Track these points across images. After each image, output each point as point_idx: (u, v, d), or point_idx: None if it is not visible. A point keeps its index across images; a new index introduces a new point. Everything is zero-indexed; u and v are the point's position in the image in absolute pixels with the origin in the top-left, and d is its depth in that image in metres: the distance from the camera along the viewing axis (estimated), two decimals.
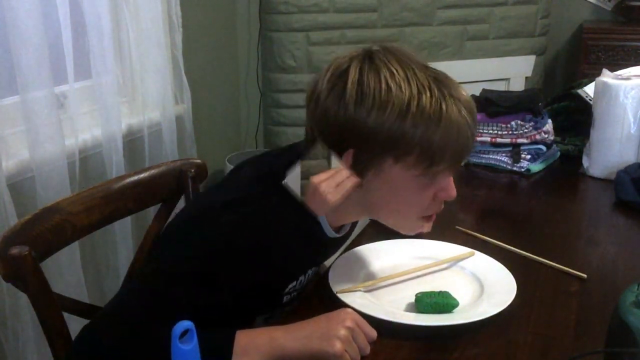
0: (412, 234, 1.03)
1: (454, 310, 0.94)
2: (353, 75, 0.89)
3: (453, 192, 0.96)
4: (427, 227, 1.01)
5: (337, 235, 1.04)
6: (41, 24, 1.49)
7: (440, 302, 0.94)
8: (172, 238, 0.96)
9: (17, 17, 1.44)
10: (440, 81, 0.90)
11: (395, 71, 0.88)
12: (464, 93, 0.92)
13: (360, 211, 1.00)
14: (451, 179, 0.96)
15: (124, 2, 1.87)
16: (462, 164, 1.77)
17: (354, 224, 1.13)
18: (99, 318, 0.89)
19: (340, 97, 0.89)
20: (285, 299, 1.02)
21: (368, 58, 0.90)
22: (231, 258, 0.89)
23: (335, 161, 0.94)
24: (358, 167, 0.92)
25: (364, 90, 0.88)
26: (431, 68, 0.92)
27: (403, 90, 0.87)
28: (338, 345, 0.83)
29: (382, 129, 0.88)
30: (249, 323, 0.98)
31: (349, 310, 0.89)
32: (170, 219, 1.02)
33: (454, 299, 0.95)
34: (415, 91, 0.87)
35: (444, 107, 0.88)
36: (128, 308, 0.88)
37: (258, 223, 0.92)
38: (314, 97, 0.93)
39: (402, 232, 1.04)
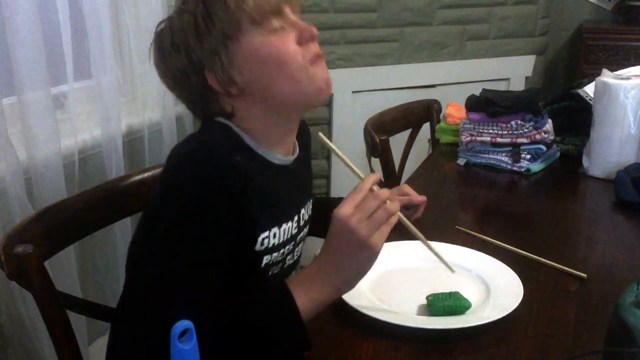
0: (322, 97, 0.96)
1: (466, 312, 0.94)
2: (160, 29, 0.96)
3: (310, 27, 0.95)
4: (321, 71, 0.96)
5: (287, 161, 0.99)
6: (38, 24, 1.48)
7: (453, 304, 0.93)
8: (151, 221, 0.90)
9: (14, 17, 1.44)
10: None
11: None
12: None
13: (262, 112, 0.95)
14: (297, 18, 0.97)
15: (124, 2, 1.87)
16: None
17: (305, 145, 1.09)
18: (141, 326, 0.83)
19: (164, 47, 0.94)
20: (265, 259, 0.95)
21: None
22: (205, 208, 0.84)
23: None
24: (224, 79, 0.92)
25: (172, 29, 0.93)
26: None
27: None
28: (377, 243, 0.82)
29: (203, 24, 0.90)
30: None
31: (337, 215, 0.83)
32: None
33: (467, 301, 0.94)
34: None
35: None
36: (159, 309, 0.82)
37: (209, 167, 0.86)
38: (160, 65, 0.96)
39: (308, 93, 0.95)
